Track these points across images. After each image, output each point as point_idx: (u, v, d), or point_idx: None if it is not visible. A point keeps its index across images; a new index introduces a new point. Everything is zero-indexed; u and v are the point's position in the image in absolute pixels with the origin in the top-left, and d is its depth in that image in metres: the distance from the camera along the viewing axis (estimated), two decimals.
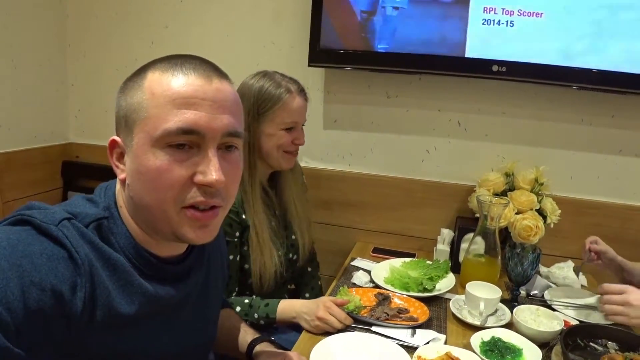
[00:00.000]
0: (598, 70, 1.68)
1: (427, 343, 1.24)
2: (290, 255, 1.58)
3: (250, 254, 1.43)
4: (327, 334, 1.26)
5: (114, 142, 0.79)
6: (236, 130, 0.78)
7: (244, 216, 1.42)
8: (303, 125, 1.51)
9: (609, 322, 1.30)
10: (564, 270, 1.68)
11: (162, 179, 0.73)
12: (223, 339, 1.15)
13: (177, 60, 0.77)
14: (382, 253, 1.89)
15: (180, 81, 0.74)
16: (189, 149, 0.74)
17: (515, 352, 1.21)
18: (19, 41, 2.07)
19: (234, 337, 1.18)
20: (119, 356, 0.77)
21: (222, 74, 0.79)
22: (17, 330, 0.61)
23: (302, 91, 1.48)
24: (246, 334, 1.18)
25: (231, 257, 1.40)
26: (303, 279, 1.76)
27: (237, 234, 1.41)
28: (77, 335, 0.70)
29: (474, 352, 1.19)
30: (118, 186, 0.82)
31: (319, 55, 1.88)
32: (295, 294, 1.59)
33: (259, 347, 1.13)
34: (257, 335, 1.17)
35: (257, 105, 1.43)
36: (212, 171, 0.73)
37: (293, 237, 1.59)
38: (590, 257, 1.55)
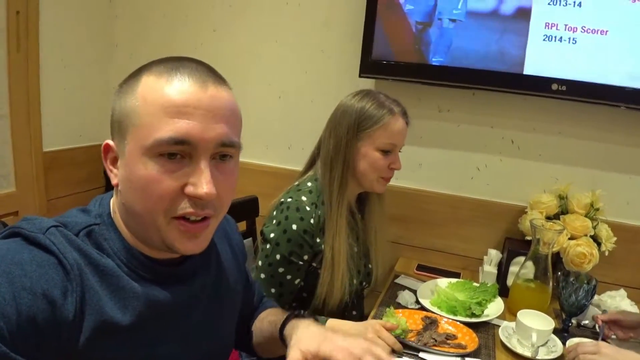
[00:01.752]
0: None
1: None
2: (364, 284, 1.55)
3: (320, 276, 1.39)
4: None
5: (107, 146, 0.77)
6: (231, 140, 0.74)
7: (318, 240, 1.39)
8: (400, 150, 1.47)
9: None
10: (616, 300, 1.61)
11: (152, 189, 0.71)
12: (265, 340, 1.09)
13: (173, 64, 0.74)
14: (426, 271, 1.85)
15: (174, 88, 0.71)
16: (181, 159, 0.72)
17: None
18: (68, 41, 2.09)
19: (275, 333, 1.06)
20: None
21: (219, 80, 0.76)
22: (10, 335, 0.61)
23: (404, 114, 1.44)
24: (277, 314, 1.09)
25: (289, 277, 1.37)
26: (357, 300, 1.68)
27: (306, 257, 1.38)
28: (71, 342, 0.68)
29: None
30: (114, 193, 0.81)
31: (370, 66, 1.85)
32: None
33: (290, 326, 1.00)
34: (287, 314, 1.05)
35: (357, 122, 1.40)
36: (203, 184, 0.71)
37: (370, 265, 1.56)
38: (603, 330, 1.39)
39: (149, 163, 0.71)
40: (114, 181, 0.77)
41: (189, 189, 0.71)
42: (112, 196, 0.82)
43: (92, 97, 2.26)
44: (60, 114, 2.11)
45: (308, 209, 1.37)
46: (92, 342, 0.70)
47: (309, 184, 1.44)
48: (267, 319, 1.12)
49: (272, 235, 1.37)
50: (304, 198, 1.39)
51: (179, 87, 0.71)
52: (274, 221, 1.38)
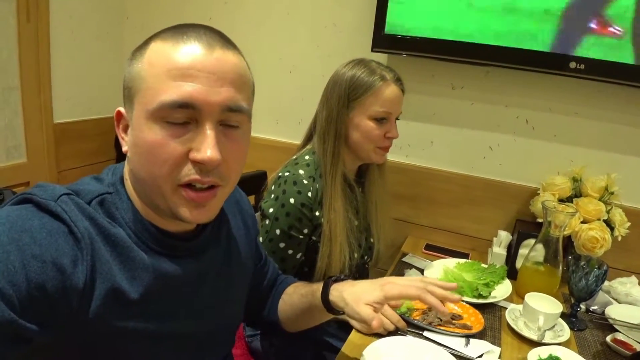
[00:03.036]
0: None
1: (481, 356, 1.18)
2: (365, 258, 1.53)
3: (319, 249, 1.38)
4: (378, 335, 1.22)
5: (119, 113, 0.77)
6: (237, 105, 0.72)
7: (317, 213, 1.37)
8: (398, 118, 1.43)
9: None
10: (627, 287, 1.58)
11: (157, 153, 0.70)
12: (302, 312, 1.10)
13: (181, 29, 0.72)
14: (434, 250, 1.83)
15: (179, 51, 0.70)
16: (187, 124, 0.70)
17: None
18: (79, 13, 2.08)
19: (309, 303, 1.09)
20: (130, 335, 0.74)
21: (227, 43, 0.74)
22: (20, 303, 0.61)
23: (398, 80, 1.39)
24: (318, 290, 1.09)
25: (290, 251, 1.36)
26: (361, 275, 1.67)
27: (306, 231, 1.36)
28: (82, 310, 0.68)
29: None
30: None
31: (383, 40, 1.80)
32: None
33: (334, 290, 1.03)
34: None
35: (348, 91, 1.36)
36: (206, 148, 0.69)
37: (371, 239, 1.54)
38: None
39: (155, 127, 0.69)
40: (124, 148, 0.77)
41: (193, 154, 0.70)
42: (124, 165, 0.81)
43: (102, 69, 2.26)
44: (71, 86, 2.11)
45: (305, 182, 1.35)
46: (102, 311, 0.70)
47: (307, 157, 1.42)
48: (297, 293, 1.13)
49: (270, 210, 1.35)
50: (301, 172, 1.37)
51: (184, 50, 0.70)
52: (272, 196, 1.36)
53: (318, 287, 1.07)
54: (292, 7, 2.03)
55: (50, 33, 1.95)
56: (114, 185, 0.77)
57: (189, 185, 0.72)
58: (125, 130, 0.77)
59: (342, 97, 1.37)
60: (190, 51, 0.70)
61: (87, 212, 0.71)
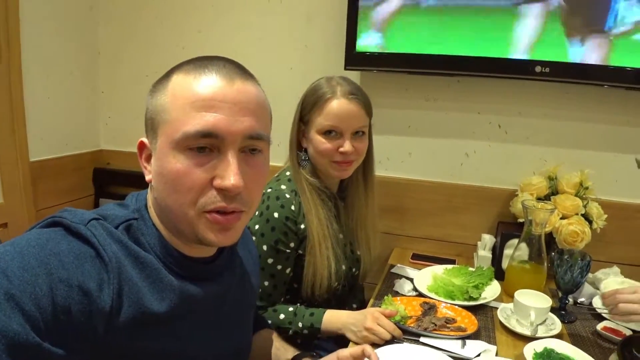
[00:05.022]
0: None
1: (479, 355, 1.20)
2: (353, 270, 1.54)
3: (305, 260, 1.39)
4: (375, 345, 1.23)
5: (142, 144, 0.81)
6: (258, 133, 0.76)
7: (302, 226, 1.38)
8: (358, 133, 1.40)
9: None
10: (610, 277, 1.63)
11: (182, 181, 0.73)
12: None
13: (202, 62, 0.77)
14: (421, 259, 1.86)
15: (201, 83, 0.74)
16: (210, 152, 0.74)
17: None
18: (51, 49, 2.07)
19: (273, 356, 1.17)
20: (152, 356, 0.76)
21: (246, 75, 0.78)
22: (46, 326, 0.62)
23: (351, 94, 1.36)
24: (287, 352, 1.16)
25: (279, 267, 1.37)
26: (352, 290, 1.67)
27: (292, 244, 1.37)
28: (108, 333, 0.69)
29: None
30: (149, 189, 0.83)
31: (355, 58, 1.85)
32: (341, 305, 1.55)
33: None
34: (297, 352, 1.15)
35: (301, 107, 1.41)
36: (230, 175, 0.72)
37: (358, 252, 1.55)
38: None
39: (179, 156, 0.73)
40: (147, 177, 0.80)
41: (217, 181, 0.73)
42: (147, 192, 0.85)
43: (77, 105, 2.25)
44: (46, 123, 2.09)
45: (288, 196, 1.36)
46: (129, 333, 0.71)
47: (287, 172, 1.45)
48: (272, 350, 1.18)
49: (256, 227, 1.36)
50: (283, 187, 1.39)
51: (206, 82, 0.74)
52: (256, 212, 1.37)
53: (286, 351, 1.17)
54: (264, 32, 2.06)
55: (22, 71, 1.93)
56: (138, 211, 0.80)
57: (214, 211, 0.75)
58: (148, 159, 0.80)
59: (298, 112, 1.42)
60: (212, 83, 0.74)
61: (116, 236, 0.74)
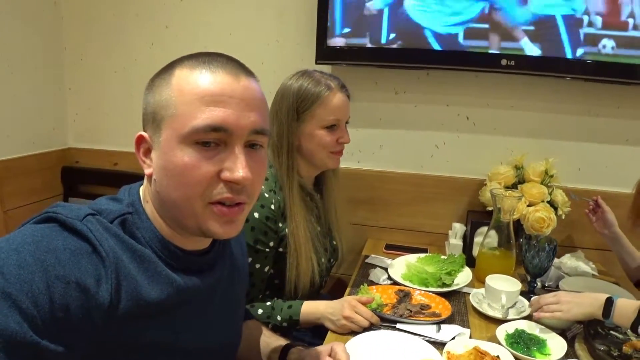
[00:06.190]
0: (602, 62, 1.70)
1: (454, 338, 1.24)
2: (332, 261, 1.56)
3: (287, 260, 1.40)
4: (353, 333, 1.25)
5: (141, 137, 0.80)
6: (263, 128, 0.78)
7: (281, 224, 1.39)
8: (347, 123, 1.47)
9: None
10: (574, 260, 1.70)
11: (190, 175, 0.74)
12: (248, 349, 1.15)
13: (205, 58, 0.77)
14: (394, 249, 1.89)
15: (209, 79, 0.75)
16: (216, 146, 0.75)
17: (540, 343, 1.22)
18: (15, 45, 2.02)
19: (259, 346, 1.17)
20: (149, 348, 0.77)
21: (249, 72, 0.80)
22: (44, 324, 0.62)
23: (343, 87, 1.44)
24: (278, 340, 1.17)
25: (258, 265, 1.36)
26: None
27: (272, 244, 1.37)
28: (106, 327, 0.69)
29: (500, 344, 1.20)
30: (144, 183, 0.83)
31: (325, 52, 1.87)
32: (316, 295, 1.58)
33: (295, 351, 1.11)
34: (288, 342, 1.16)
35: (296, 104, 1.40)
36: (239, 168, 0.74)
37: (334, 242, 1.57)
38: (590, 204, 1.71)
39: (187, 150, 0.73)
40: (147, 171, 0.80)
41: (225, 174, 0.74)
42: (140, 185, 0.84)
43: (44, 102, 2.20)
44: (11, 122, 2.04)
45: (267, 195, 1.36)
46: (127, 326, 0.72)
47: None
48: (261, 337, 1.18)
49: None
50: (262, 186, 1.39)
51: (213, 78, 0.75)
52: None
53: (277, 340, 1.17)
54: (234, 27, 2.06)
55: None
56: (132, 205, 0.80)
57: (219, 202, 0.76)
58: (146, 153, 0.80)
59: (291, 111, 1.40)
60: (220, 79, 0.75)
61: (113, 231, 0.74)
